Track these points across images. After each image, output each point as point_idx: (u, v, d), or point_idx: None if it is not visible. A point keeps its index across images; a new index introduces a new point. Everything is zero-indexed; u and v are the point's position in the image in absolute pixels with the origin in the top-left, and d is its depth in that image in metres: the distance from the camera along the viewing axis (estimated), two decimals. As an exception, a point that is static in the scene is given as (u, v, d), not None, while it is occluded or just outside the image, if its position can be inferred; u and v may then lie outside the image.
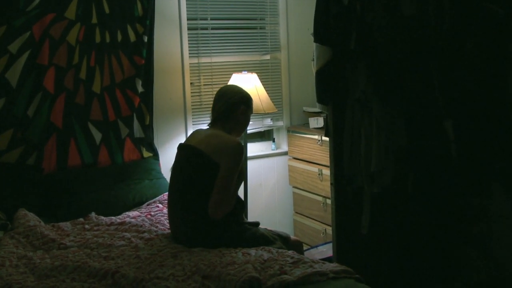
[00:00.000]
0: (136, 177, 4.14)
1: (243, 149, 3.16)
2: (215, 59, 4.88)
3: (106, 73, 4.21)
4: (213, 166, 3.06)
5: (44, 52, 3.93)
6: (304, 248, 4.22)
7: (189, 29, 4.72)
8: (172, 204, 3.23)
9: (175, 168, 3.31)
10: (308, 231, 4.86)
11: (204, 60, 4.83)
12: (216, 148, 3.10)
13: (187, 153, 3.23)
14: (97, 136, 4.18)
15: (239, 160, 3.12)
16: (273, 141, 5.25)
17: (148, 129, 4.43)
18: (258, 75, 4.61)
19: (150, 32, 4.39)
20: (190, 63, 4.73)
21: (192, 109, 4.73)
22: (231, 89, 3.42)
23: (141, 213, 3.78)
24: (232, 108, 3.31)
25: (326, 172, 4.42)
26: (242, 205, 3.26)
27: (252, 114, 4.53)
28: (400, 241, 3.52)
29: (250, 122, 4.76)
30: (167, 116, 4.65)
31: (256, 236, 3.11)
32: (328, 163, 3.62)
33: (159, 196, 4.02)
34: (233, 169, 3.08)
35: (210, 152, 3.09)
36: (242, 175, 3.29)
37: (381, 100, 3.27)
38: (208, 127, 3.41)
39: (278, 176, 5.18)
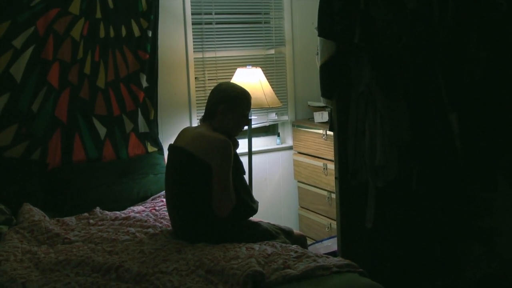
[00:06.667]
0: (140, 171, 4.14)
1: (230, 144, 3.11)
2: (220, 54, 4.87)
3: (110, 68, 4.21)
4: (205, 167, 3.04)
5: (48, 47, 3.93)
6: (309, 242, 4.22)
7: (193, 23, 4.71)
8: (169, 205, 3.25)
9: (168, 170, 3.30)
10: (313, 226, 4.86)
11: (208, 54, 4.82)
12: (204, 148, 3.07)
13: (178, 155, 3.21)
14: (102, 131, 4.18)
15: (229, 155, 3.08)
16: (278, 135, 5.24)
17: (152, 124, 4.43)
18: (262, 70, 4.60)
19: (154, 26, 4.38)
20: (194, 58, 4.72)
21: (197, 103, 4.73)
22: (220, 87, 3.35)
23: (145, 208, 3.79)
24: (212, 107, 3.27)
25: (331, 166, 4.41)
26: (250, 209, 3.26)
27: (258, 109, 4.57)
28: (405, 236, 3.52)
29: (255, 117, 4.82)
30: (171, 111, 4.64)
31: (259, 231, 3.11)
32: (333, 158, 3.61)
33: (164, 191, 4.01)
34: (225, 166, 3.06)
35: (199, 153, 3.06)
36: (240, 169, 3.29)
37: (385, 94, 3.27)
38: (198, 123, 3.39)
39: (283, 171, 5.17)
